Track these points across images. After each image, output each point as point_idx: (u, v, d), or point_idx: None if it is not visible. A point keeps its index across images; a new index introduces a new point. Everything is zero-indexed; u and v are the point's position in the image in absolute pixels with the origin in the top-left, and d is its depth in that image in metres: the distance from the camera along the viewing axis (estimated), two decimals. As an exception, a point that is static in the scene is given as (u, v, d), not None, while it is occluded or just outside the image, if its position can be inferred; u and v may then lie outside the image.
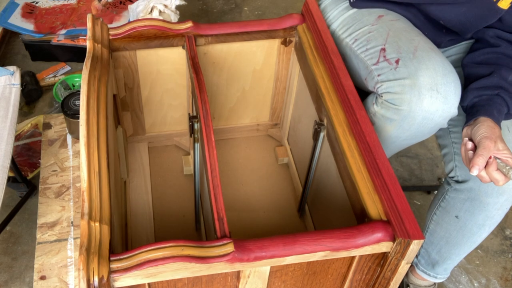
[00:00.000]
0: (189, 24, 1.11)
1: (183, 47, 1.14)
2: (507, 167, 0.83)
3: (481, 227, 1.03)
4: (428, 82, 0.89)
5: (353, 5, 1.09)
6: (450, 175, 1.04)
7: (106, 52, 1.04)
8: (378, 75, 0.96)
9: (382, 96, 0.95)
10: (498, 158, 0.84)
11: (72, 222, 1.25)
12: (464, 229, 1.06)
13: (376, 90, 0.97)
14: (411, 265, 1.22)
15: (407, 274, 1.25)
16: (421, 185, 1.53)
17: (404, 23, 1.04)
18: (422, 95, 0.89)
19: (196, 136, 0.99)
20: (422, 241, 0.76)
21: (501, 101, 0.93)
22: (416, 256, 1.19)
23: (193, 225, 1.21)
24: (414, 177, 1.55)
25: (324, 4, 1.18)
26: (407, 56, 0.93)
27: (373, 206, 0.81)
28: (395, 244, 0.77)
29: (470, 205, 1.01)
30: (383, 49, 0.98)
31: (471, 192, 0.99)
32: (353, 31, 1.07)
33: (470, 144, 0.88)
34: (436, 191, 1.52)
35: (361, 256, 0.81)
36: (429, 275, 1.20)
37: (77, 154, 1.40)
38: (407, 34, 0.99)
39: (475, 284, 1.34)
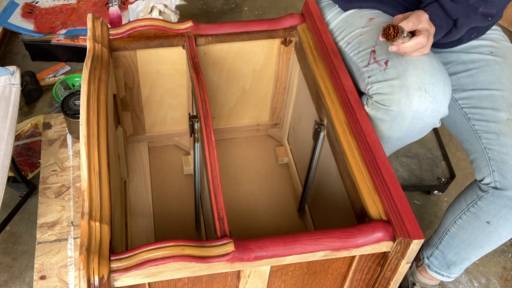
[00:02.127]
0: (189, 24, 1.11)
1: (183, 47, 1.14)
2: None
3: (511, 232, 1.03)
4: (416, 82, 0.90)
5: (340, 6, 1.11)
6: (485, 181, 1.01)
7: (106, 52, 1.04)
8: (369, 77, 0.97)
9: (372, 97, 0.95)
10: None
11: (72, 222, 1.25)
12: (493, 234, 1.05)
13: (367, 91, 0.97)
14: (422, 266, 1.22)
15: (413, 273, 1.25)
16: (421, 185, 1.53)
17: None
18: (410, 95, 0.90)
19: (196, 136, 0.99)
20: (422, 240, 0.76)
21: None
22: (428, 258, 1.19)
23: (193, 225, 1.21)
24: (414, 177, 1.55)
25: (322, 5, 1.18)
26: (396, 57, 0.94)
27: (373, 205, 0.81)
28: (395, 243, 0.77)
29: (508, 212, 0.99)
30: (373, 51, 0.98)
31: (511, 200, 0.98)
32: (345, 35, 1.07)
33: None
34: (436, 191, 1.53)
35: (361, 256, 0.81)
36: (442, 275, 1.19)
37: (77, 154, 1.41)
38: None
39: (475, 284, 1.34)
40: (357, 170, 0.86)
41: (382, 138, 0.98)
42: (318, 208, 1.14)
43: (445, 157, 1.59)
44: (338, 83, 0.98)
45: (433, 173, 1.54)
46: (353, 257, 0.82)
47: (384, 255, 0.81)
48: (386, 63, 0.94)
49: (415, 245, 0.76)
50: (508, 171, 0.95)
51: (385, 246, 0.78)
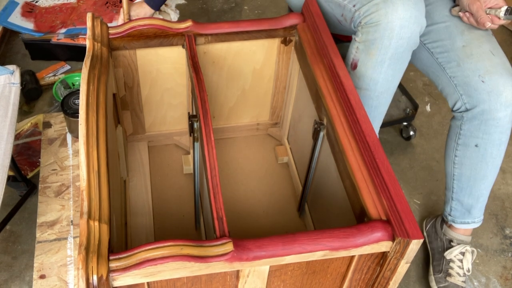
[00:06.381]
0: (189, 23, 1.11)
1: (183, 46, 1.14)
2: (498, 10, 1.07)
3: (498, 147, 1.14)
4: None
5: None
6: (456, 107, 1.15)
7: (106, 51, 1.03)
8: (354, 6, 1.08)
9: (361, 23, 1.06)
10: (490, 8, 1.09)
11: (71, 221, 1.25)
12: (485, 156, 1.15)
13: (355, 20, 1.08)
14: (449, 224, 1.30)
15: (446, 232, 1.31)
16: (391, 120, 1.60)
17: None
18: (395, 5, 1.01)
19: (195, 135, 0.98)
20: (421, 240, 0.76)
21: None
22: (449, 214, 1.28)
23: (192, 225, 1.21)
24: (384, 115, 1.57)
25: None
26: None
27: (373, 205, 0.81)
28: (394, 243, 0.77)
29: (485, 127, 1.11)
30: None
31: (483, 114, 1.10)
32: None
33: (467, 14, 1.11)
34: (405, 123, 1.64)
35: (360, 256, 0.81)
36: (468, 223, 1.27)
37: (76, 153, 1.40)
38: None
39: (475, 283, 1.34)
40: (357, 170, 0.86)
41: (376, 64, 1.07)
42: (317, 208, 1.14)
43: (404, 91, 1.68)
44: (338, 82, 0.98)
45: (398, 107, 1.65)
46: (352, 257, 0.82)
47: (383, 255, 0.81)
48: None
49: (414, 245, 0.76)
50: (472, 90, 1.10)
51: (384, 246, 0.78)
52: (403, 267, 0.81)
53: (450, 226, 1.31)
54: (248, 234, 1.20)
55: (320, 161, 1.06)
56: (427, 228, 1.39)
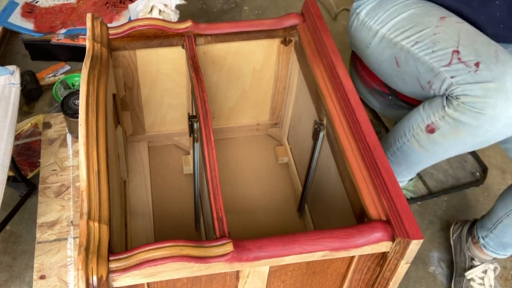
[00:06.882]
0: (188, 24, 1.11)
1: (183, 47, 1.14)
2: None
3: None
4: None
5: None
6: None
7: (106, 52, 1.03)
8: (452, 77, 0.94)
9: (459, 99, 0.93)
10: None
11: (71, 222, 1.25)
12: None
13: (450, 92, 0.95)
14: (477, 244, 1.25)
15: (470, 248, 1.26)
16: (458, 184, 1.45)
17: (470, 25, 1.02)
18: (509, 100, 0.88)
19: (195, 135, 0.98)
20: (421, 241, 0.76)
21: None
22: (483, 238, 1.22)
23: (192, 225, 1.21)
24: (450, 177, 1.48)
25: (367, 9, 1.14)
26: (489, 60, 0.92)
27: (373, 206, 0.81)
28: (394, 244, 0.77)
29: None
30: (456, 51, 0.95)
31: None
32: (412, 34, 1.04)
33: None
34: (472, 187, 1.47)
35: (360, 256, 0.81)
36: (498, 254, 1.22)
37: (76, 153, 1.41)
38: (480, 37, 0.98)
39: (475, 284, 1.34)
40: (357, 170, 0.86)
41: (456, 143, 0.97)
42: (317, 208, 1.14)
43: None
44: (337, 83, 0.98)
45: (465, 169, 1.48)
46: (352, 257, 0.82)
47: (383, 255, 0.81)
48: (476, 64, 0.92)
49: (414, 245, 0.76)
50: None
51: (384, 246, 0.78)
52: (403, 267, 0.80)
53: (476, 246, 1.25)
54: (248, 235, 1.20)
55: (320, 161, 1.06)
56: (453, 237, 1.34)
